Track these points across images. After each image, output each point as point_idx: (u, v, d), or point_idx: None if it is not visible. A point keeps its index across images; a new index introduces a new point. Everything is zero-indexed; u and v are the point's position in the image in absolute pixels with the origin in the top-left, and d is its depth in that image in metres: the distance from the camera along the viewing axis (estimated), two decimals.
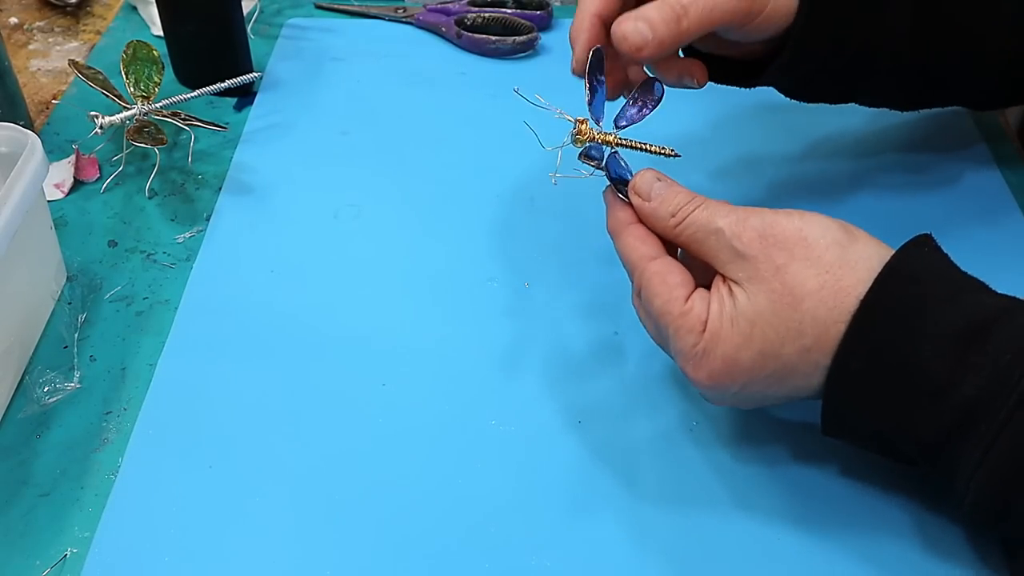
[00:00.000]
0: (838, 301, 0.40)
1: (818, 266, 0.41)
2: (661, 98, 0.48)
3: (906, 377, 0.39)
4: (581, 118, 0.47)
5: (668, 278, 0.43)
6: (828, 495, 0.46)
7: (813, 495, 0.46)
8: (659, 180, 0.45)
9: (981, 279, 0.41)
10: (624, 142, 0.47)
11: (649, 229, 0.45)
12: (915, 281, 0.40)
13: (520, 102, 0.47)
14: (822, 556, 0.44)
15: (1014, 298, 0.40)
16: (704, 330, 0.42)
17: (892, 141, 0.67)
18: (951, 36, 0.53)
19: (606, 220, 0.47)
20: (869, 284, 0.40)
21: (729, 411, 0.50)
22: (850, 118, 0.69)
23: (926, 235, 0.42)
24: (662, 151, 0.48)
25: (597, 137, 0.47)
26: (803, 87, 0.55)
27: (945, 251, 0.42)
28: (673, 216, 0.44)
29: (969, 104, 0.63)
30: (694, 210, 0.43)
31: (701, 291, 0.43)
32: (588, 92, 0.47)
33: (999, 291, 0.40)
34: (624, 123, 0.48)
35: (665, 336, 0.44)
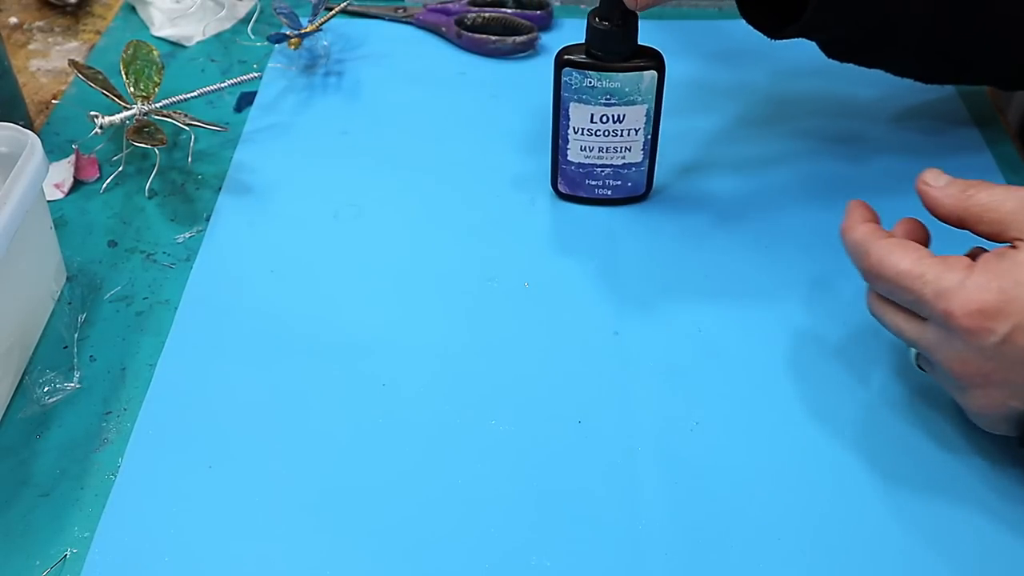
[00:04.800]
0: None
1: None
2: None
3: None
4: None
5: (911, 244, 0.43)
6: (831, 496, 0.46)
7: (815, 496, 0.46)
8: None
9: None
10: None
11: (936, 206, 0.44)
12: None
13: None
14: (823, 557, 0.44)
15: None
16: (971, 266, 0.40)
17: (891, 141, 0.67)
18: (974, 16, 0.52)
19: (844, 223, 0.46)
20: None
21: (729, 412, 0.50)
22: (848, 118, 0.69)
23: None
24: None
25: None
26: (829, 48, 0.56)
27: None
28: (965, 190, 0.43)
29: (999, 84, 0.62)
30: (989, 186, 0.43)
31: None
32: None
33: None
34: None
35: (917, 290, 0.41)
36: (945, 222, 0.44)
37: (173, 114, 0.65)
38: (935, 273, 0.41)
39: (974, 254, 0.43)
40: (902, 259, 0.42)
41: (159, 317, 0.55)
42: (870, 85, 0.71)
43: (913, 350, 0.47)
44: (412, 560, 0.44)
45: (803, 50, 0.75)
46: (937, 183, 0.44)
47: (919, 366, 0.47)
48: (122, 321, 0.55)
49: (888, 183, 0.64)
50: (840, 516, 0.45)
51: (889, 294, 0.44)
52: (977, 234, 0.43)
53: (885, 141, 0.67)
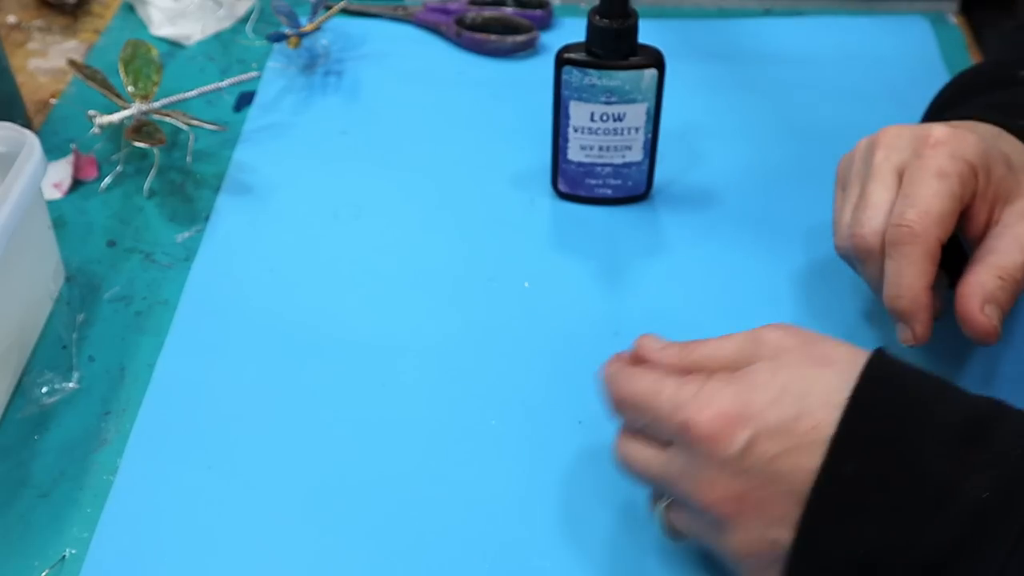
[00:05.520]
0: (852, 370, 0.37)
1: (832, 341, 0.39)
2: None
3: (907, 481, 0.34)
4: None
5: (656, 367, 0.41)
6: None
7: None
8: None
9: None
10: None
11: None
12: (900, 381, 0.37)
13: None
14: None
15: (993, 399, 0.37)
16: (710, 377, 0.38)
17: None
18: None
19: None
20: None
21: None
22: (848, 117, 0.69)
23: (880, 350, 0.38)
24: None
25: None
26: None
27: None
28: (684, 347, 0.41)
29: None
30: (706, 341, 0.41)
31: None
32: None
33: None
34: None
35: (655, 408, 0.39)
36: None
37: (172, 113, 0.65)
38: (672, 388, 0.38)
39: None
40: (641, 380, 0.40)
41: (158, 317, 0.55)
42: (869, 82, 0.71)
43: (659, 509, 0.41)
44: (412, 560, 0.44)
45: (803, 50, 0.75)
46: (654, 347, 0.42)
47: (671, 532, 0.42)
48: (121, 321, 0.55)
49: None
50: None
51: (632, 422, 0.41)
52: None
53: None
